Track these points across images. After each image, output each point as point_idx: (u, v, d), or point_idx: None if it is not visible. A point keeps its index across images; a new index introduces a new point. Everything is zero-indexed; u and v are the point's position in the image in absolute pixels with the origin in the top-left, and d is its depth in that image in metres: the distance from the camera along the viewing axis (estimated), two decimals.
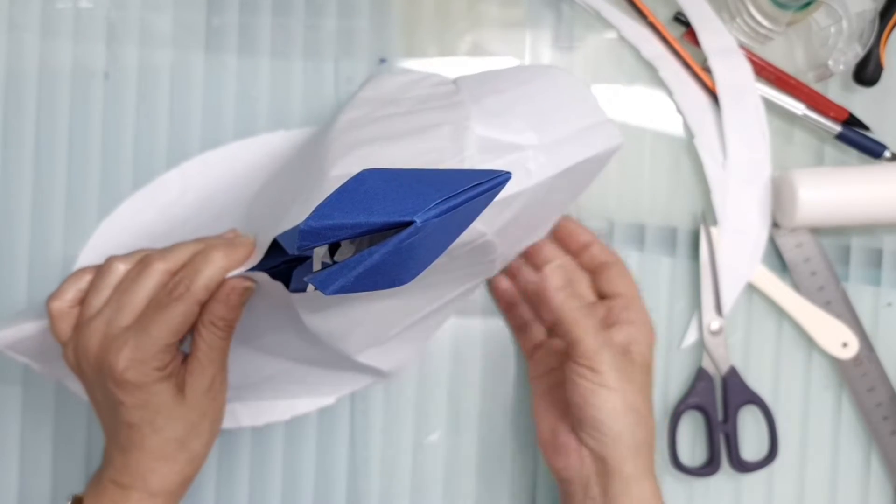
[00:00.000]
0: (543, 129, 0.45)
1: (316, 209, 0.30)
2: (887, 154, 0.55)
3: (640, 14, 0.55)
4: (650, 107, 0.56)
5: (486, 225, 0.43)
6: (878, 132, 0.56)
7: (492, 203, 0.42)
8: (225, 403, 0.46)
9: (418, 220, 0.30)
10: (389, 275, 0.32)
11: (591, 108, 0.48)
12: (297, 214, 0.40)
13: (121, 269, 0.44)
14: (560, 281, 0.47)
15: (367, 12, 0.55)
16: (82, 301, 0.45)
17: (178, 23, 0.54)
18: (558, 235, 0.52)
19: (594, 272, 0.50)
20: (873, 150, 0.55)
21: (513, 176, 0.42)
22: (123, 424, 0.43)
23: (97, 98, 0.54)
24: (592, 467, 0.46)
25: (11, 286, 0.54)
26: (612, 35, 0.55)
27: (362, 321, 0.47)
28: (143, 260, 0.44)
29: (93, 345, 0.43)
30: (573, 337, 0.46)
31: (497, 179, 0.32)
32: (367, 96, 0.49)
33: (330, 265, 0.32)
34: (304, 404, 0.54)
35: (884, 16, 0.54)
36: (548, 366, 0.51)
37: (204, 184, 0.53)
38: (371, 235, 0.31)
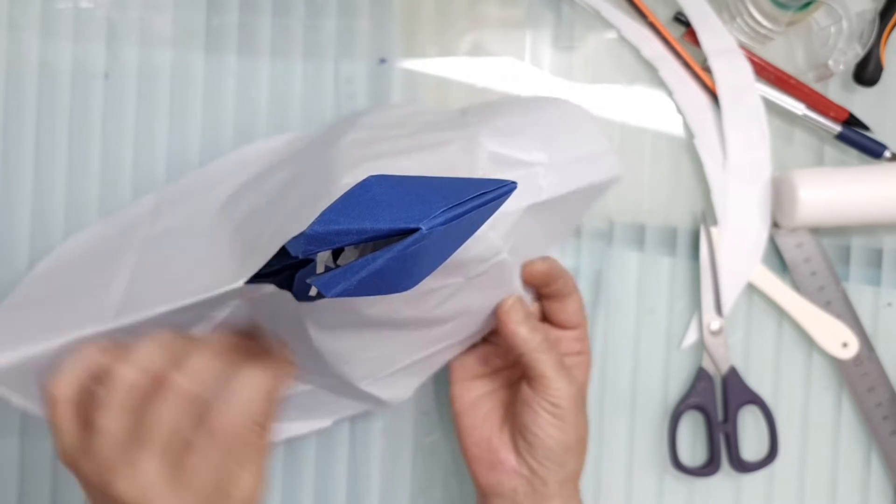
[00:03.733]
0: (551, 149, 0.46)
1: (321, 214, 0.30)
2: (887, 154, 0.55)
3: (640, 14, 0.55)
4: (650, 107, 0.56)
5: (502, 240, 0.42)
6: (878, 132, 0.56)
7: (506, 216, 0.42)
8: None
9: (424, 228, 0.30)
10: (392, 280, 0.32)
11: (594, 137, 0.49)
12: (304, 220, 0.40)
13: (128, 378, 0.38)
14: (520, 315, 0.46)
15: (367, 12, 0.55)
16: (84, 394, 0.39)
17: (178, 23, 0.54)
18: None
19: (551, 299, 0.49)
20: (873, 150, 0.55)
21: (524, 189, 0.42)
22: None
23: (97, 98, 0.54)
24: (528, 487, 0.47)
25: (11, 286, 0.54)
26: (612, 35, 0.55)
27: (372, 348, 0.46)
28: (158, 377, 0.38)
29: (114, 479, 0.36)
30: (538, 372, 0.46)
31: (503, 189, 0.32)
32: (371, 122, 0.49)
33: (333, 269, 0.32)
34: (299, 427, 0.52)
35: (884, 16, 0.54)
36: (474, 372, 0.50)
37: (178, 196, 0.51)
38: (375, 241, 0.31)
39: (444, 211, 0.30)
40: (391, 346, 0.46)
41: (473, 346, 0.51)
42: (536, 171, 0.44)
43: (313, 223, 0.30)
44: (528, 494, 0.47)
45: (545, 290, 0.48)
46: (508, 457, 0.47)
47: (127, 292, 0.44)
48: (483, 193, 0.32)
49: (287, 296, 0.40)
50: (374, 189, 0.31)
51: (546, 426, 0.46)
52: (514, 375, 0.50)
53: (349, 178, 0.41)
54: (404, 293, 0.35)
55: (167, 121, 0.54)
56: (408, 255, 0.30)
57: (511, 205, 0.41)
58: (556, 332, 0.49)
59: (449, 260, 0.37)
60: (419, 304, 0.43)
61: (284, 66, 0.54)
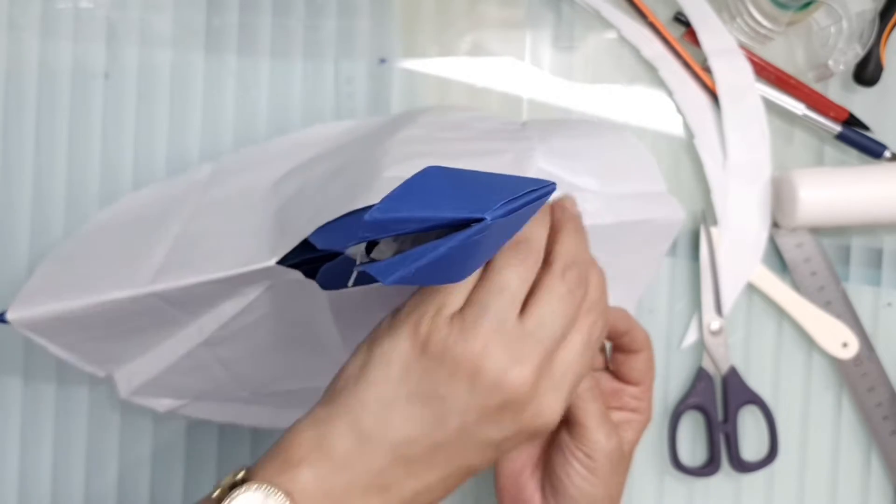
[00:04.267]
0: (606, 180, 0.45)
1: (381, 202, 0.31)
2: (887, 154, 0.55)
3: (640, 14, 0.55)
4: (650, 107, 0.56)
5: None
6: (878, 132, 0.56)
7: None
8: None
9: (489, 218, 0.30)
10: (449, 270, 0.32)
11: (652, 177, 0.48)
12: (337, 212, 0.39)
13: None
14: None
15: (367, 12, 0.55)
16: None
17: (178, 23, 0.54)
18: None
19: (617, 350, 0.46)
20: (873, 150, 0.55)
21: None
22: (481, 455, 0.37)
23: (97, 98, 0.54)
24: None
25: (11, 286, 0.54)
26: (612, 35, 0.55)
27: None
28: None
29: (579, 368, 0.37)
30: (578, 419, 0.43)
31: (545, 189, 0.33)
32: (430, 120, 0.48)
33: (367, 262, 0.32)
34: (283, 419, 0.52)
35: (884, 16, 0.54)
36: None
37: (235, 168, 0.52)
38: (417, 234, 0.31)
39: (503, 203, 0.31)
40: None
41: None
42: (584, 195, 0.43)
43: (373, 210, 0.31)
44: None
45: (613, 340, 0.46)
46: (534, 496, 0.45)
47: (166, 258, 0.44)
48: (533, 191, 0.32)
49: (313, 286, 0.39)
50: (433, 179, 0.32)
51: (575, 476, 0.43)
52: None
53: (392, 172, 0.40)
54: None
55: (167, 121, 0.54)
56: (469, 244, 0.31)
57: None
58: (616, 385, 0.46)
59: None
60: None
61: (284, 66, 0.54)
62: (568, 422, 0.44)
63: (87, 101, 0.54)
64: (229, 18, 0.54)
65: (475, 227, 0.30)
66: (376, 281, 0.31)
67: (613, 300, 0.42)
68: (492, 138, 0.47)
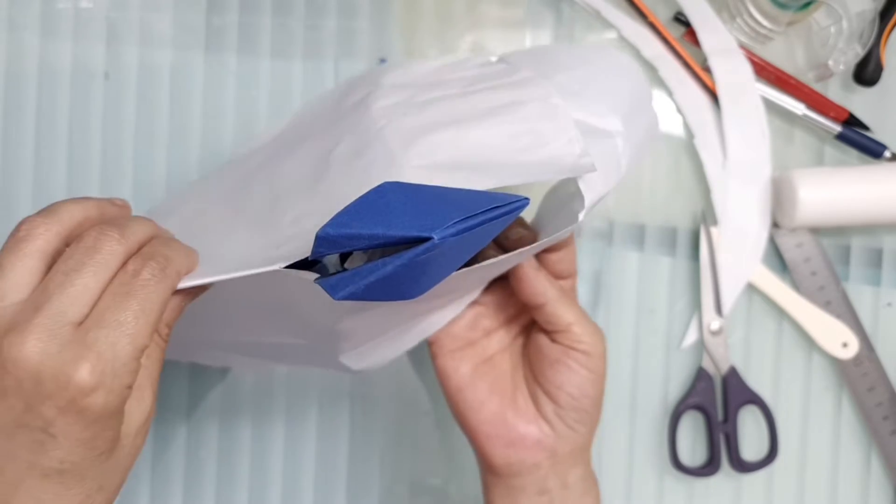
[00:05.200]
0: (622, 114, 0.41)
1: (334, 217, 0.31)
2: (887, 154, 0.55)
3: (640, 14, 0.55)
4: None
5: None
6: (878, 132, 0.56)
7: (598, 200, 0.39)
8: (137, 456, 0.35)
9: (436, 237, 0.30)
10: (400, 288, 0.32)
11: (646, 95, 0.45)
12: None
13: (50, 239, 0.32)
14: (536, 264, 0.43)
15: (367, 12, 0.55)
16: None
17: (178, 23, 0.54)
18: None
19: (550, 251, 0.44)
20: (873, 150, 0.55)
21: (607, 169, 0.39)
22: (37, 475, 0.30)
23: (97, 98, 0.54)
24: (551, 459, 0.43)
25: None
26: (612, 35, 0.55)
27: (379, 324, 0.43)
28: (91, 235, 0.32)
29: (30, 350, 0.29)
30: (565, 322, 0.42)
31: (515, 204, 0.33)
32: (395, 83, 0.44)
33: (340, 272, 0.32)
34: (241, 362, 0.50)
35: (884, 16, 0.54)
36: (464, 340, 0.45)
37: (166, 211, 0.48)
38: (385, 248, 0.31)
39: (456, 222, 0.31)
40: (392, 317, 0.43)
41: (470, 314, 0.46)
42: (616, 142, 0.40)
43: (325, 226, 0.31)
44: (551, 467, 0.43)
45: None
46: (529, 429, 0.43)
47: None
48: (496, 207, 0.32)
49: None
50: (389, 195, 0.31)
51: (582, 382, 0.42)
52: (510, 335, 0.46)
53: (419, 160, 0.37)
54: None
55: (167, 121, 0.54)
56: (417, 263, 0.31)
57: (602, 189, 0.38)
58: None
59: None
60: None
61: (284, 66, 0.54)
62: (553, 332, 0.43)
63: (87, 101, 0.54)
64: (229, 18, 0.54)
65: (422, 247, 0.30)
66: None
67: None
68: (485, 88, 0.42)
